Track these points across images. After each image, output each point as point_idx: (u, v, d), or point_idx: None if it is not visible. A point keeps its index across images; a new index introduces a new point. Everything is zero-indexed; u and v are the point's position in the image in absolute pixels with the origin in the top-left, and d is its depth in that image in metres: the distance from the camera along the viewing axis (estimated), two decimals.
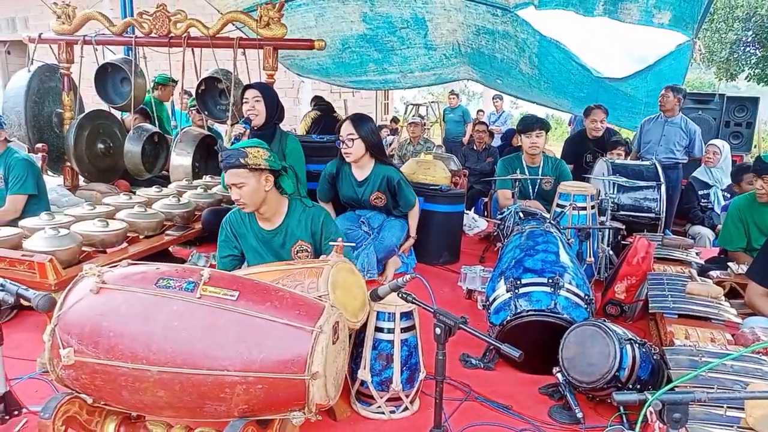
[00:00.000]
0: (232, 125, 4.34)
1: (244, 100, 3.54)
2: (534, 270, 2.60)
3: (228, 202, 4.03)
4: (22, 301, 1.84)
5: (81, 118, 4.76)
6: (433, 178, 4.39)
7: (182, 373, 1.59)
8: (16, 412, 1.99)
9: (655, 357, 2.14)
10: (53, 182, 4.91)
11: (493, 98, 11.18)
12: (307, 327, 1.62)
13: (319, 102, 6.86)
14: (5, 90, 4.83)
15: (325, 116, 6.40)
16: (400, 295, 1.95)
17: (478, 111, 12.43)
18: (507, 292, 2.55)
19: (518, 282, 2.54)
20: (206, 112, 4.94)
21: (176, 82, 5.79)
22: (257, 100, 3.51)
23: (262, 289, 1.72)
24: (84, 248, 2.89)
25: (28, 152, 4.40)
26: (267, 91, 3.60)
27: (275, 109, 3.58)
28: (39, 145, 4.62)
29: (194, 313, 1.62)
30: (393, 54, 7.06)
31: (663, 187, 4.03)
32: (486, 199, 6.30)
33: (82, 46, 4.66)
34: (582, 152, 5.41)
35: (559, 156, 5.04)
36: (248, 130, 3.41)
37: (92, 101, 5.45)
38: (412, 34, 6.56)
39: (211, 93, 4.97)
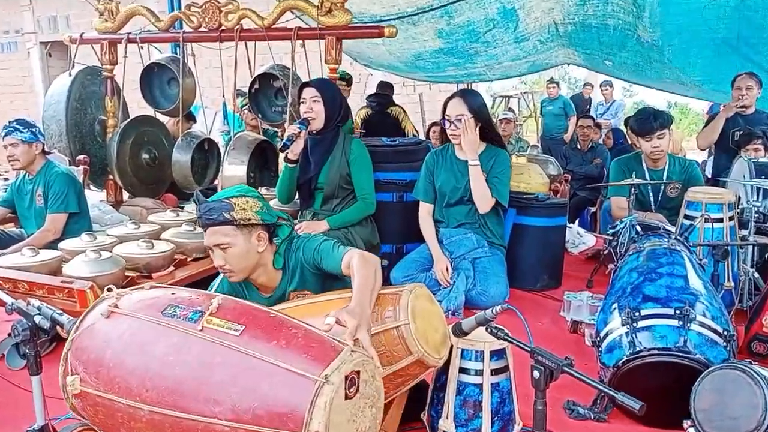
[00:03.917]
0: (282, 128, 4.43)
1: (301, 100, 3.63)
2: (657, 298, 2.51)
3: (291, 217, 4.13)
4: (59, 331, 1.96)
5: (125, 125, 5.03)
6: (527, 185, 4.35)
7: (171, 416, 1.64)
8: None
9: None
10: (96, 197, 5.23)
11: (601, 85, 10.91)
12: (311, 375, 1.58)
13: (376, 95, 6.86)
14: (45, 97, 5.19)
15: (377, 114, 6.44)
16: (489, 329, 1.92)
17: (585, 85, 11.97)
18: (623, 325, 2.47)
19: (637, 313, 2.46)
20: (260, 115, 5.09)
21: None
22: (315, 100, 3.58)
23: (273, 325, 1.74)
24: (127, 272, 3.05)
25: (69, 165, 4.69)
26: (327, 88, 3.66)
27: (337, 110, 3.65)
28: (80, 157, 4.91)
29: (191, 348, 1.69)
30: (476, 56, 7.09)
31: None
32: (594, 209, 6.16)
33: (126, 45, 4.94)
34: (729, 130, 5.06)
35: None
36: (304, 131, 3.48)
37: (138, 106, 5.75)
38: (499, 34, 6.52)
39: (266, 92, 5.09)
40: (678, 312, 2.39)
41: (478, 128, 3.63)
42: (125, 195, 5.32)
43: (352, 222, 3.69)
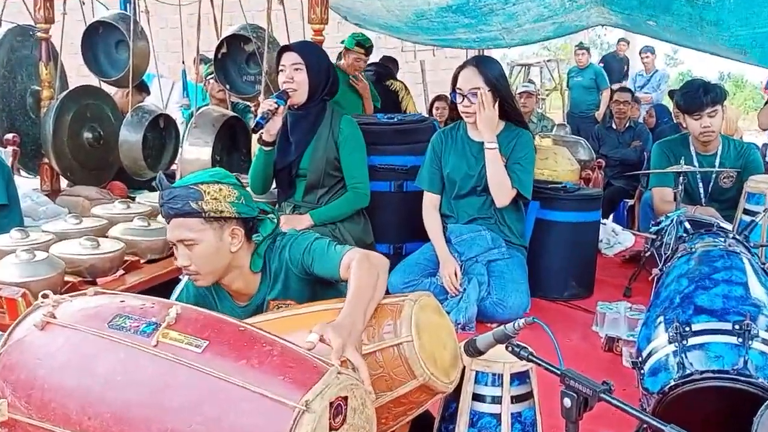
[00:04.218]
0: (256, 102, 4.41)
1: (279, 68, 3.61)
2: (711, 310, 2.50)
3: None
4: None
5: (63, 97, 5.00)
6: (553, 173, 4.39)
7: None
8: None
9: None
10: (28, 185, 5.19)
11: (641, 51, 10.92)
12: (288, 401, 1.56)
13: (375, 65, 6.91)
14: None
15: (374, 87, 6.46)
16: (509, 348, 1.92)
17: (620, 41, 11.96)
18: (670, 342, 2.46)
19: (687, 328, 2.44)
20: (228, 85, 5.07)
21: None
22: (297, 69, 3.57)
23: (243, 340, 1.73)
24: (67, 277, 3.03)
25: None
26: (312, 54, 3.65)
27: (325, 81, 3.65)
28: (9, 136, 4.86)
29: (144, 368, 1.67)
30: (492, 15, 7.04)
31: None
32: (632, 202, 6.19)
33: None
34: None
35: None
36: (282, 107, 3.47)
37: (78, 74, 5.72)
38: None
39: (236, 58, 5.09)
40: (737, 327, 2.37)
41: (496, 104, 3.62)
42: (63, 183, 5.29)
43: (340, 216, 3.70)
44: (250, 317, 2.27)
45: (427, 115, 5.93)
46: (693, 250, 3.00)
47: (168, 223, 2.23)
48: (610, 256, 4.78)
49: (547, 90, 14.01)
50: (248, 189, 3.86)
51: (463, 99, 3.61)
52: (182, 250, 2.21)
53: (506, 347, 1.92)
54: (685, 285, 2.72)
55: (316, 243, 2.29)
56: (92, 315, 1.81)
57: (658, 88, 10.34)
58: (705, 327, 2.44)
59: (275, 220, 2.38)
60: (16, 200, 3.98)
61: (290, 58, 3.58)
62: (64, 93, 5.08)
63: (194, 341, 1.69)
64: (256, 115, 3.76)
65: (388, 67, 7.08)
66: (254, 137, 3.74)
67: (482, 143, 3.65)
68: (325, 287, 2.34)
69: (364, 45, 5.96)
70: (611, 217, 6.40)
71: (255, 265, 2.32)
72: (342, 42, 6.10)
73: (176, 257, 2.26)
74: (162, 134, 5.29)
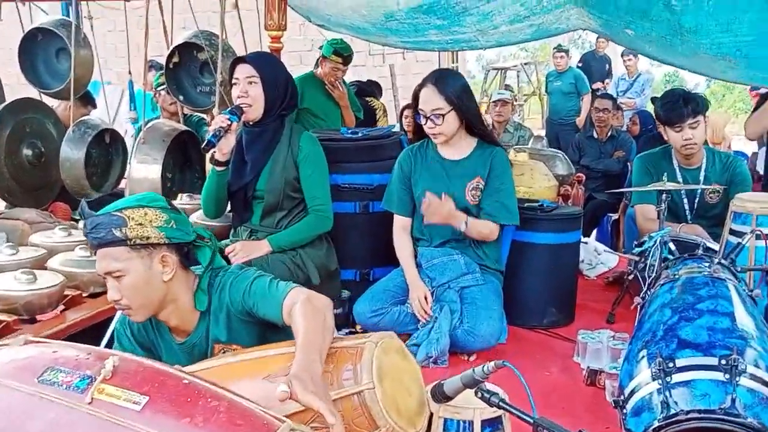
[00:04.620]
0: (211, 114, 4.37)
1: (233, 81, 3.58)
2: (696, 344, 2.49)
3: (216, 235, 4.03)
4: None
5: None
6: (529, 190, 4.38)
7: None
8: None
9: None
10: None
11: (622, 54, 11.00)
12: None
13: (360, 81, 7.00)
14: None
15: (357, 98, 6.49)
16: (479, 393, 1.90)
17: (599, 38, 12.03)
18: (653, 379, 2.45)
19: (671, 364, 2.43)
20: (181, 97, 5.02)
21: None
22: (251, 82, 3.53)
23: (186, 395, 1.69)
24: (0, 316, 2.97)
25: None
26: (268, 66, 3.63)
27: (282, 95, 3.62)
28: None
29: (78, 429, 1.63)
30: (465, 15, 7.04)
31: None
32: (616, 216, 6.18)
33: (0, 3, 4.81)
34: None
35: None
36: (235, 123, 3.44)
37: (17, 84, 5.63)
38: None
39: (188, 67, 5.06)
40: (723, 362, 2.37)
41: (462, 125, 3.66)
42: (1, 204, 5.20)
43: (301, 242, 3.66)
44: (194, 360, 2.27)
45: (395, 127, 5.90)
46: (676, 277, 3.01)
47: (95, 254, 2.23)
48: (592, 278, 4.76)
49: (525, 95, 14.07)
50: (200, 212, 3.87)
51: (427, 120, 3.61)
52: (111, 282, 2.21)
53: (475, 392, 1.91)
54: (668, 316, 2.72)
55: (255, 283, 2.28)
56: (20, 368, 1.77)
57: (642, 93, 10.31)
58: (690, 362, 2.44)
59: (213, 247, 2.37)
60: None
61: (244, 71, 3.54)
62: (1, 106, 5.00)
63: (133, 397, 1.66)
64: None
65: (371, 85, 7.10)
66: (207, 156, 3.69)
67: (455, 161, 3.68)
68: (272, 329, 2.32)
69: (342, 54, 5.91)
70: (594, 233, 6.40)
71: (200, 303, 2.31)
72: (319, 48, 6.06)
73: (108, 290, 2.26)
74: (108, 150, 5.23)
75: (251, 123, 3.62)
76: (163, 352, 2.44)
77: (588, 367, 3.34)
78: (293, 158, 3.65)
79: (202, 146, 3.45)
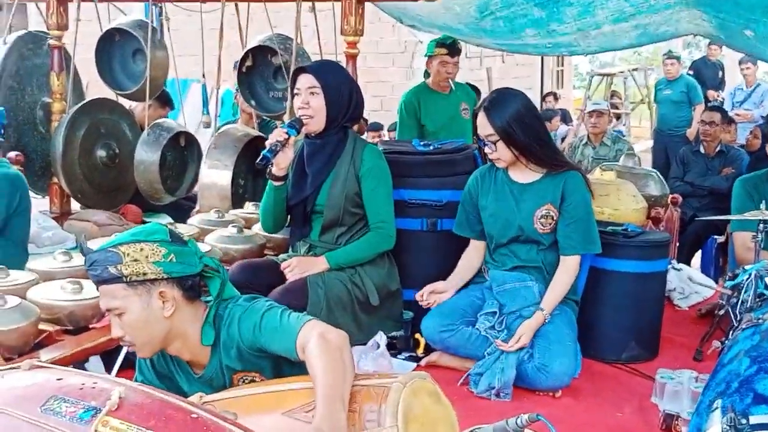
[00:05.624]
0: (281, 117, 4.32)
1: (294, 92, 3.56)
2: None
3: (276, 248, 4.01)
4: None
5: (74, 111, 5.03)
6: (614, 213, 4.22)
7: None
8: None
9: None
10: (36, 207, 5.18)
11: (740, 62, 10.61)
12: None
13: None
14: None
15: None
16: None
17: (710, 44, 11.59)
18: None
19: (744, 421, 2.25)
20: (253, 101, 5.01)
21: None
22: (313, 93, 3.50)
23: (193, 431, 1.62)
24: (42, 326, 2.97)
25: None
26: (331, 75, 3.58)
27: (346, 106, 3.58)
28: (12, 155, 4.86)
29: None
30: (565, 5, 6.83)
31: None
32: (722, 239, 5.85)
33: (79, 3, 4.90)
34: None
35: None
36: (293, 138, 3.41)
37: (95, 86, 5.73)
38: None
39: (262, 72, 5.09)
40: None
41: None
42: (76, 204, 5.30)
43: (361, 260, 3.61)
44: (214, 391, 2.24)
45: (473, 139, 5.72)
46: (760, 321, 2.82)
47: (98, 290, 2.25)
48: (683, 308, 4.53)
49: (632, 103, 13.63)
50: (251, 222, 3.82)
51: (485, 145, 3.53)
52: (113, 319, 2.22)
53: None
54: (746, 365, 2.55)
55: (266, 318, 2.23)
56: (23, 396, 1.73)
57: (761, 104, 9.90)
58: (765, 420, 2.28)
59: (222, 277, 2.34)
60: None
61: (305, 81, 3.51)
62: (77, 107, 5.11)
63: (138, 431, 1.62)
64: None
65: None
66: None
67: (523, 185, 3.57)
68: (288, 361, 2.25)
69: (446, 43, 5.65)
70: (698, 256, 6.18)
71: (206, 337, 2.28)
72: (423, 55, 5.93)
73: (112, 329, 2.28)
74: (183, 153, 5.28)
75: (313, 135, 3.59)
76: (184, 383, 2.42)
77: (665, 410, 3.18)
78: (355, 172, 3.60)
79: (257, 161, 3.39)
